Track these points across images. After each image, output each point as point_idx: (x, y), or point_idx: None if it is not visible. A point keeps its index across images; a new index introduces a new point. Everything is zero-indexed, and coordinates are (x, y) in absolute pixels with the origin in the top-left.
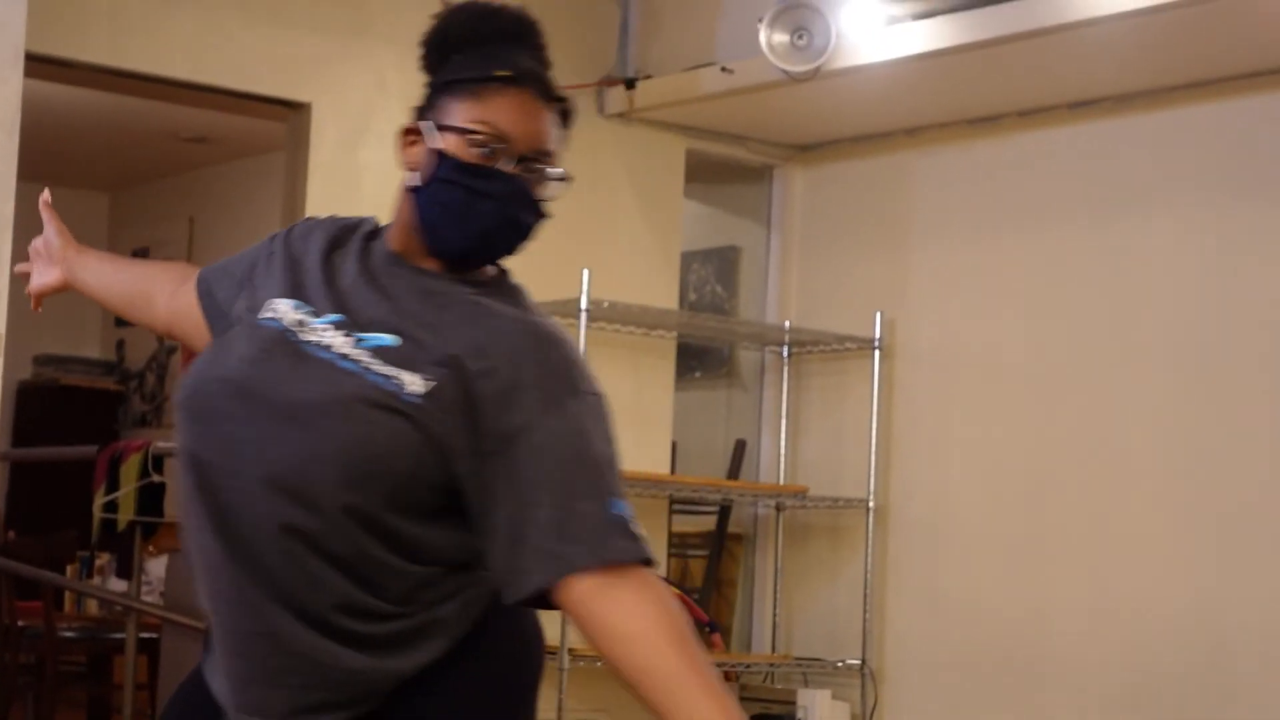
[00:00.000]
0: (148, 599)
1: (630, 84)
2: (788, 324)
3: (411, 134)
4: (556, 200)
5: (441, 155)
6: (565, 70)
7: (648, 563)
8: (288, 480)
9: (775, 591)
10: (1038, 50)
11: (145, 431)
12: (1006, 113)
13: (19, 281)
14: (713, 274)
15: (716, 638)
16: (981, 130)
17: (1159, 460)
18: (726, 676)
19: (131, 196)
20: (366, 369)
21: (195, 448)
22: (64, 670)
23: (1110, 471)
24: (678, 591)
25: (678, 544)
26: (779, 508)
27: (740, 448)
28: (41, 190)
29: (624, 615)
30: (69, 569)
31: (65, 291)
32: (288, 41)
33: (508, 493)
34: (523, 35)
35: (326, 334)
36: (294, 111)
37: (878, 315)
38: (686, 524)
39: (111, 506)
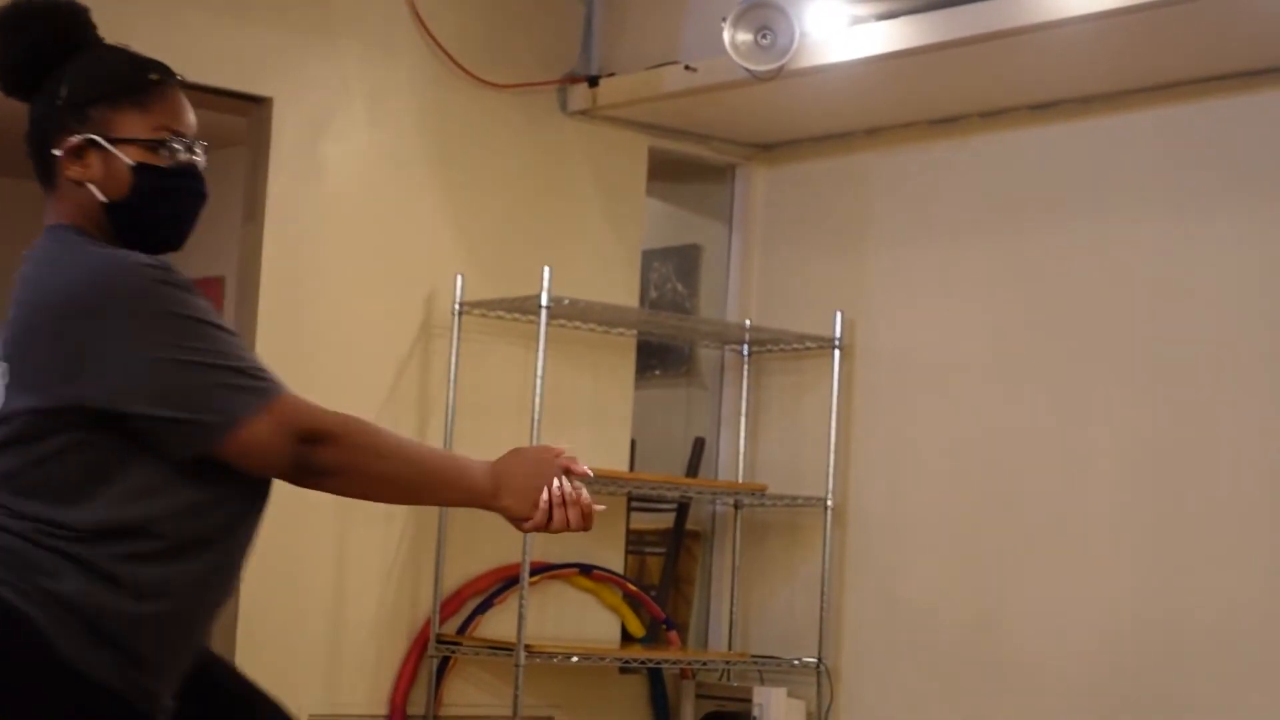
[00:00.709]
0: None
1: (593, 82)
2: (748, 323)
3: (74, 155)
4: (519, 198)
5: (141, 167)
6: (528, 67)
7: None
8: None
9: (733, 589)
10: (1000, 52)
11: None
12: (968, 114)
13: None
14: (673, 272)
15: (673, 635)
16: (943, 131)
17: (1116, 460)
18: (683, 674)
19: None
20: None
21: None
22: None
23: (1068, 471)
24: (634, 589)
25: (635, 541)
26: (737, 506)
27: (699, 446)
28: (8, 184)
29: None
30: None
31: None
32: (249, 36)
33: None
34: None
35: None
36: (255, 106)
37: (838, 315)
38: (645, 521)
39: None
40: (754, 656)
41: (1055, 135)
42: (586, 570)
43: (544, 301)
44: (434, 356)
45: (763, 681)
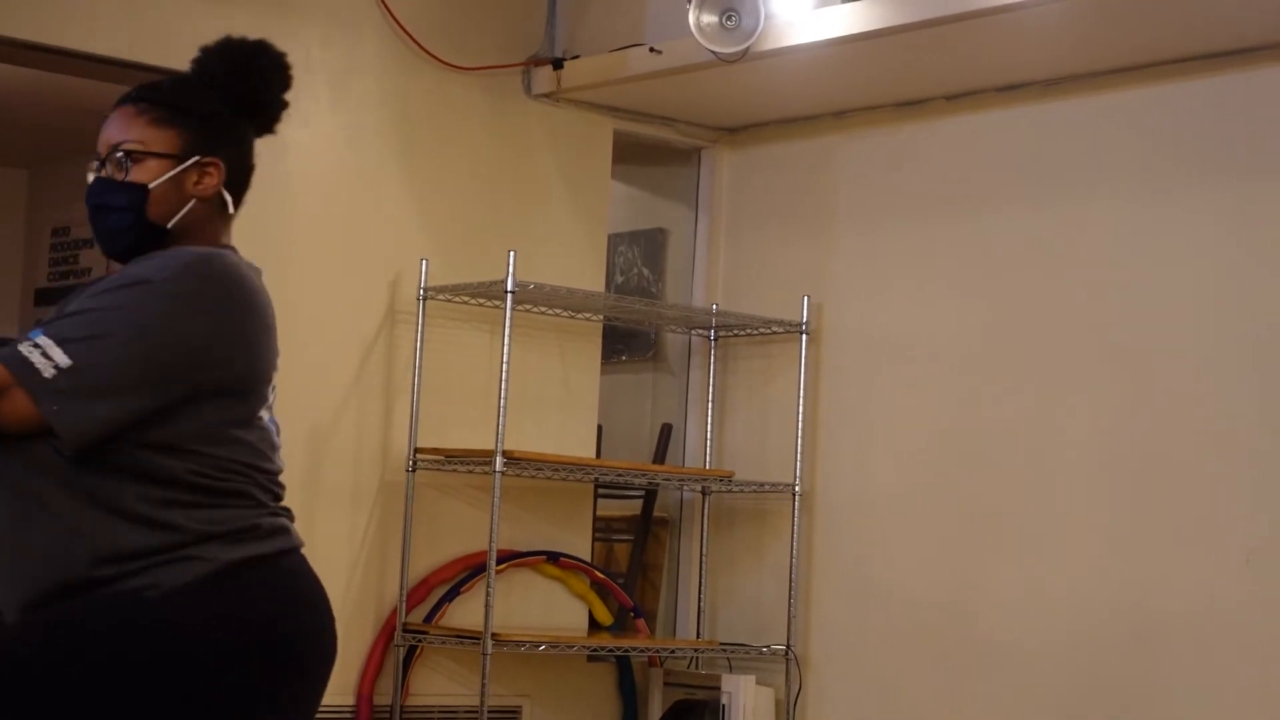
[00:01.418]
0: None
1: (558, 64)
2: (715, 307)
3: None
4: (483, 182)
5: None
6: (492, 50)
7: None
8: None
9: (701, 576)
10: (966, 34)
11: None
12: (935, 96)
13: None
14: (639, 256)
15: (641, 623)
16: (909, 114)
17: (1087, 444)
18: (651, 662)
19: (52, 174)
20: None
21: None
22: None
23: (1038, 456)
24: (602, 576)
25: (603, 528)
26: (705, 492)
27: (666, 432)
28: None
29: None
30: None
31: None
32: (212, 17)
33: None
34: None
35: None
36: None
37: (805, 299)
38: (612, 508)
39: None
40: (722, 644)
41: (1022, 117)
42: (554, 558)
43: (509, 286)
44: (399, 342)
45: (731, 669)
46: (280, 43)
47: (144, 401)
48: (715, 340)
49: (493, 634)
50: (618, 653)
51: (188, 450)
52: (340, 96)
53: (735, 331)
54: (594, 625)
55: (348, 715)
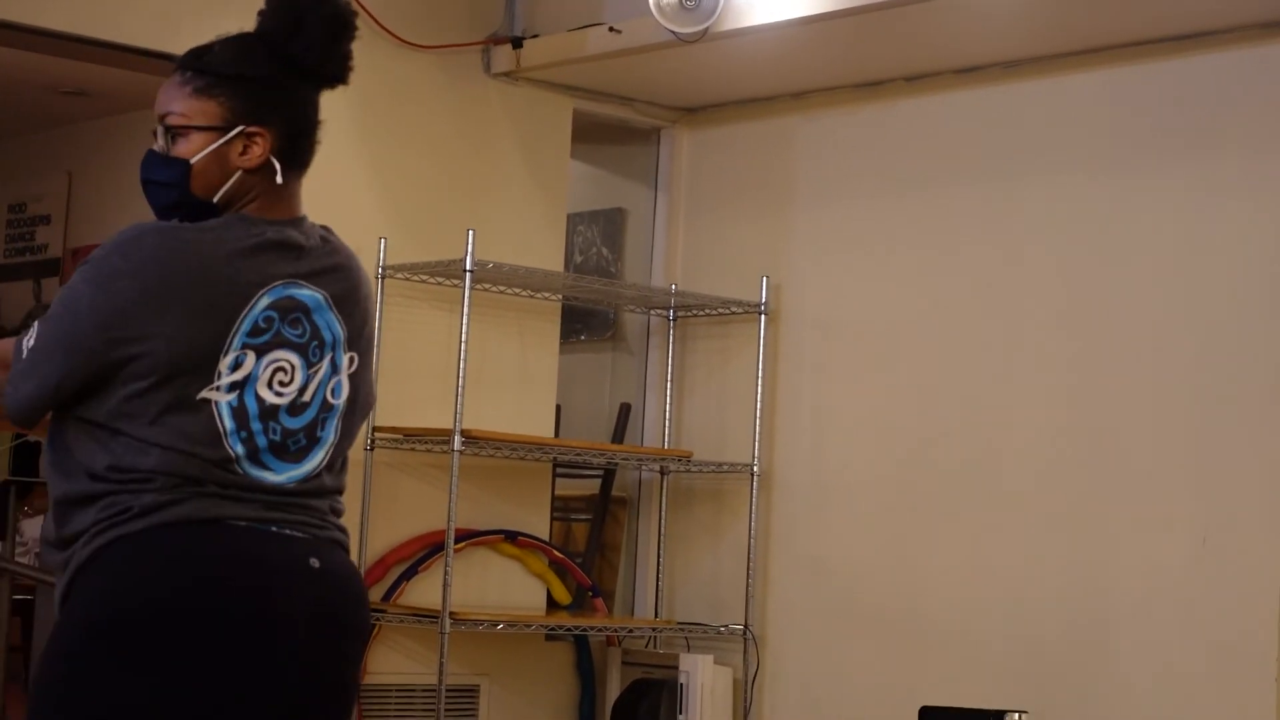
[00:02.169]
0: (22, 560)
1: (517, 43)
2: (674, 287)
3: None
4: (442, 160)
5: None
6: (452, 28)
7: None
8: None
9: (659, 556)
10: (925, 15)
11: None
12: (894, 77)
13: None
14: (599, 236)
15: (599, 602)
16: (868, 95)
17: (1043, 425)
18: (609, 641)
19: (7, 150)
20: None
21: None
22: None
23: (993, 437)
24: (560, 555)
25: (561, 508)
26: (663, 472)
27: (625, 411)
28: None
29: None
30: None
31: None
32: None
33: None
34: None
35: None
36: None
37: (764, 280)
38: (570, 488)
39: None
40: (680, 623)
41: (980, 99)
42: (512, 537)
43: (468, 265)
44: None
45: (689, 648)
46: (233, 19)
47: (61, 378)
48: (674, 320)
49: (451, 613)
50: (576, 632)
51: (114, 429)
52: None
53: (694, 312)
54: (552, 604)
55: None
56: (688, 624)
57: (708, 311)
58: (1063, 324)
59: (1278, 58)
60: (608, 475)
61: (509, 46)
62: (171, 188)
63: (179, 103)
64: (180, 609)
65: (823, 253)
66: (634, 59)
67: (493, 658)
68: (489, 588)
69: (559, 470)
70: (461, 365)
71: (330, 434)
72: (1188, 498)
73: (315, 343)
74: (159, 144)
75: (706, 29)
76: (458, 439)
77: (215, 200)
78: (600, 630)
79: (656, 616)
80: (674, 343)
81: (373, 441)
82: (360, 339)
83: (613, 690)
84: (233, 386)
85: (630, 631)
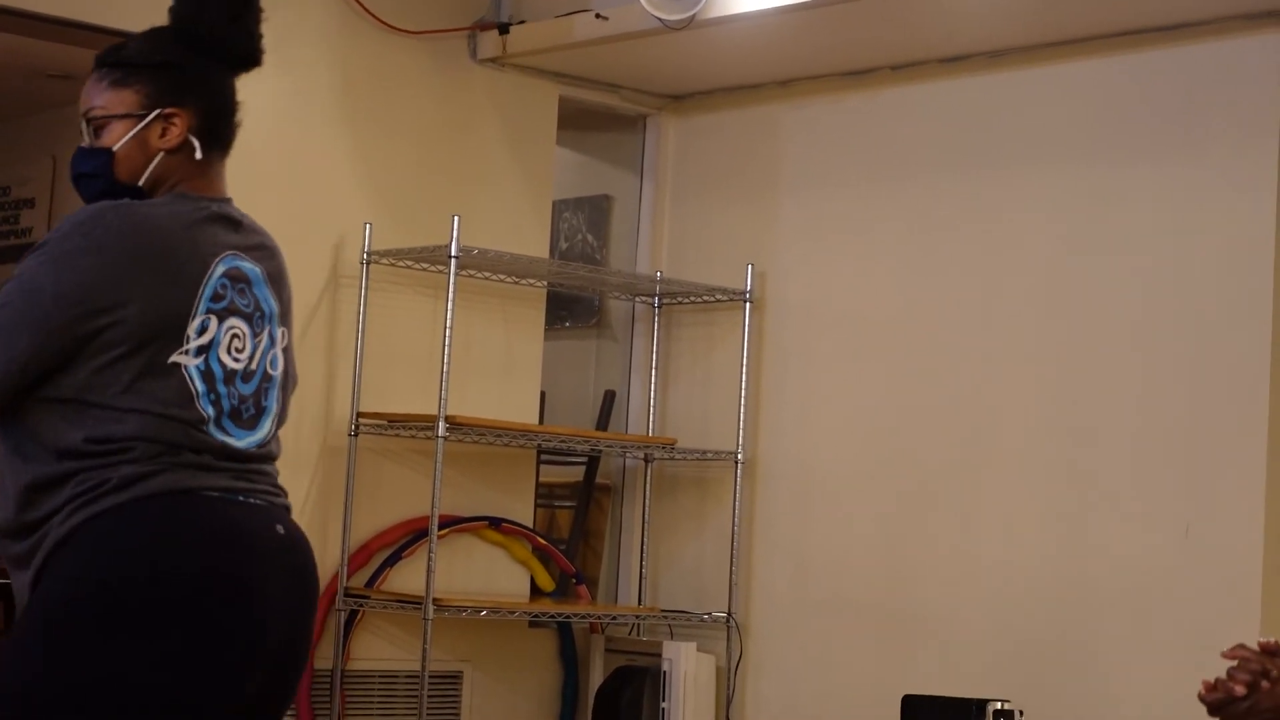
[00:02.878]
0: None
1: (504, 29)
2: (659, 274)
3: None
4: (428, 146)
5: None
6: (438, 13)
7: None
8: None
9: (643, 543)
10: (911, 5)
11: None
12: (880, 66)
13: None
14: (584, 223)
15: (583, 589)
16: (854, 83)
17: (1027, 416)
18: (593, 628)
19: None
20: None
21: None
22: None
23: (978, 426)
24: (544, 542)
25: (545, 494)
26: (647, 459)
27: (609, 398)
28: None
29: None
30: None
31: None
32: None
33: None
34: None
35: None
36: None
37: (749, 267)
38: (554, 474)
39: None
40: (664, 611)
41: (966, 88)
42: (496, 524)
43: (453, 251)
44: (342, 306)
45: (672, 636)
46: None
47: (29, 358)
48: (659, 307)
49: (434, 599)
50: (559, 619)
51: (85, 402)
52: (284, 60)
53: (679, 299)
54: (535, 591)
55: None
56: (671, 612)
57: (693, 299)
58: (1048, 313)
59: (1261, 49)
60: (592, 462)
61: (495, 32)
62: (97, 177)
63: (98, 96)
64: (164, 582)
65: (808, 240)
66: (620, 46)
67: (476, 644)
68: (472, 574)
69: (543, 457)
70: (446, 351)
71: (273, 404)
72: (1170, 488)
73: (258, 314)
74: (85, 140)
75: (693, 16)
76: (442, 425)
77: (140, 184)
78: (584, 617)
79: (640, 604)
80: (659, 330)
81: (357, 427)
82: (288, 316)
83: (596, 677)
84: (199, 351)
85: (614, 619)
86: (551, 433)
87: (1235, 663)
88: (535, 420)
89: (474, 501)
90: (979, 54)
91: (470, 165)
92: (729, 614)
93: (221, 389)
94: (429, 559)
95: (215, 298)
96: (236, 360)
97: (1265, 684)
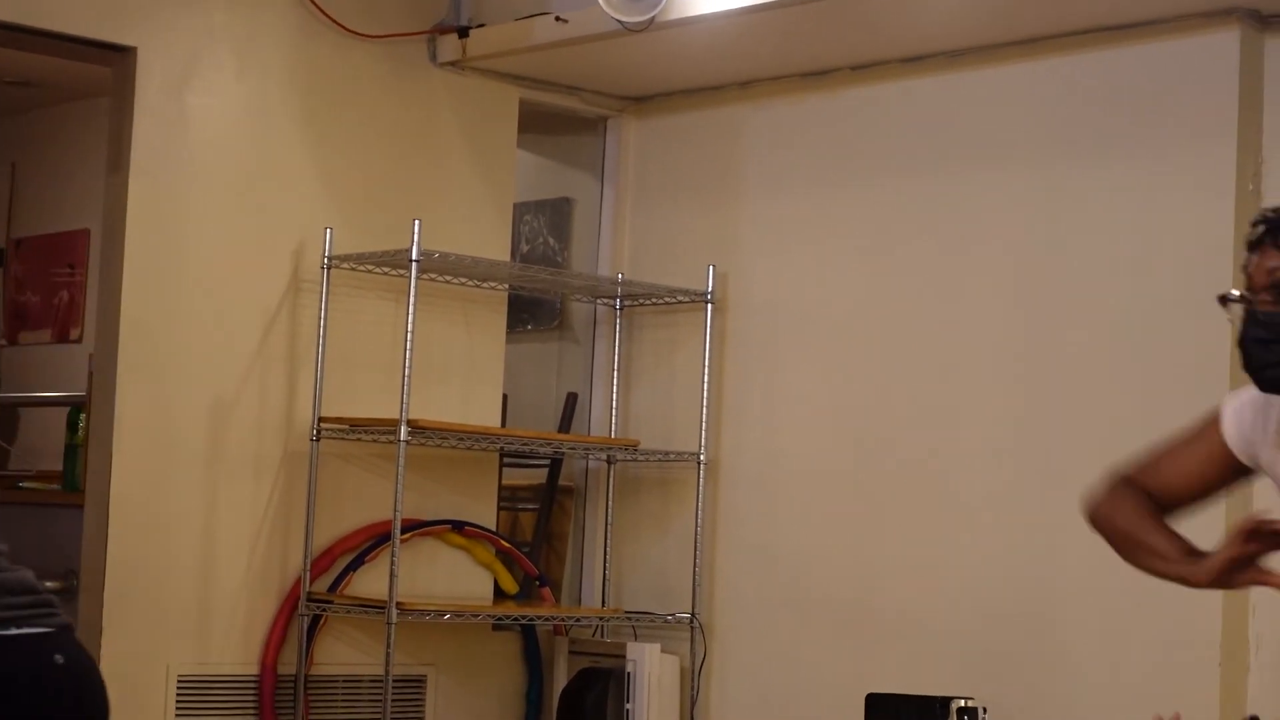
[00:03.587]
0: None
1: (463, 32)
2: (620, 276)
3: None
4: (388, 150)
5: None
6: (397, 17)
7: None
8: None
9: (606, 545)
10: (871, 5)
11: None
12: (840, 67)
13: None
14: (545, 225)
15: (546, 591)
16: (814, 84)
17: (991, 416)
18: (556, 630)
19: None
20: None
21: None
22: None
23: (942, 427)
24: (507, 545)
25: (508, 497)
26: (610, 461)
27: (571, 401)
28: None
29: None
30: None
31: None
32: None
33: None
34: None
35: None
36: (120, 55)
37: (710, 269)
38: (517, 477)
39: None
40: (628, 612)
41: (927, 88)
42: (458, 527)
43: (414, 255)
44: (303, 311)
45: (637, 637)
46: (182, 8)
47: None
48: (621, 309)
49: (397, 603)
50: (523, 621)
51: None
52: (244, 64)
53: (641, 301)
54: (499, 594)
55: (251, 685)
56: (635, 613)
57: (654, 301)
58: (1011, 312)
59: (1222, 46)
60: (554, 465)
61: (455, 36)
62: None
63: None
64: None
65: (769, 241)
66: (581, 48)
67: (440, 648)
68: (436, 578)
69: (506, 460)
70: (408, 355)
71: None
72: None
73: None
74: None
75: (653, 18)
76: (404, 429)
77: None
78: (547, 620)
79: (604, 606)
80: (620, 332)
81: (318, 432)
82: None
83: (560, 679)
84: None
85: (577, 621)
86: (514, 435)
87: None
88: (498, 423)
89: (437, 505)
90: (939, 54)
91: (431, 169)
92: (693, 615)
93: None
94: (392, 563)
95: None
96: None
97: None
